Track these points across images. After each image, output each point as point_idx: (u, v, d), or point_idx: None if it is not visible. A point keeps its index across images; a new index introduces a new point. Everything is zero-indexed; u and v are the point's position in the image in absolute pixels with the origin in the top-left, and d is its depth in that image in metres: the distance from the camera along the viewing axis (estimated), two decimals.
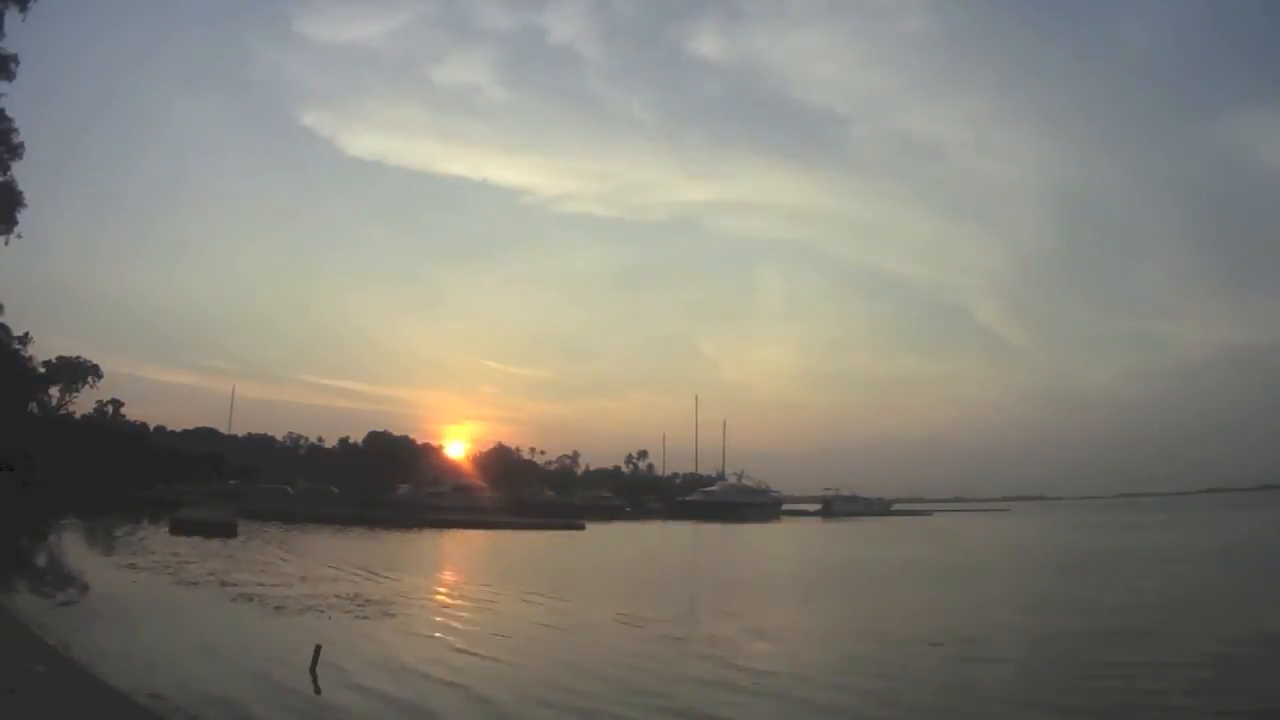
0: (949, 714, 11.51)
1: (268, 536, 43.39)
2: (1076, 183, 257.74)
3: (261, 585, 23.29)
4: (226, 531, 42.42)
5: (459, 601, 23.27)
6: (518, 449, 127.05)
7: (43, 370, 74.98)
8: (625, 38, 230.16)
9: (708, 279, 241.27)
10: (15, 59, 32.66)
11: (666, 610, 21.48)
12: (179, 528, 42.91)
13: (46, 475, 59.45)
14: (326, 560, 32.87)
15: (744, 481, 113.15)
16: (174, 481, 74.29)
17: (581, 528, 66.36)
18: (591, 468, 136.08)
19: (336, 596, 21.50)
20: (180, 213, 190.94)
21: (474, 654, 15.03)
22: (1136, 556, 39.04)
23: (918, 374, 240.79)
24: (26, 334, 63.37)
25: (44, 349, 72.64)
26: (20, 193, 36.40)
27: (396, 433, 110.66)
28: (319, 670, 12.49)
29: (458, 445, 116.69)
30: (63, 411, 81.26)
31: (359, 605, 20.29)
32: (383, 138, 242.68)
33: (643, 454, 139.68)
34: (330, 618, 18.26)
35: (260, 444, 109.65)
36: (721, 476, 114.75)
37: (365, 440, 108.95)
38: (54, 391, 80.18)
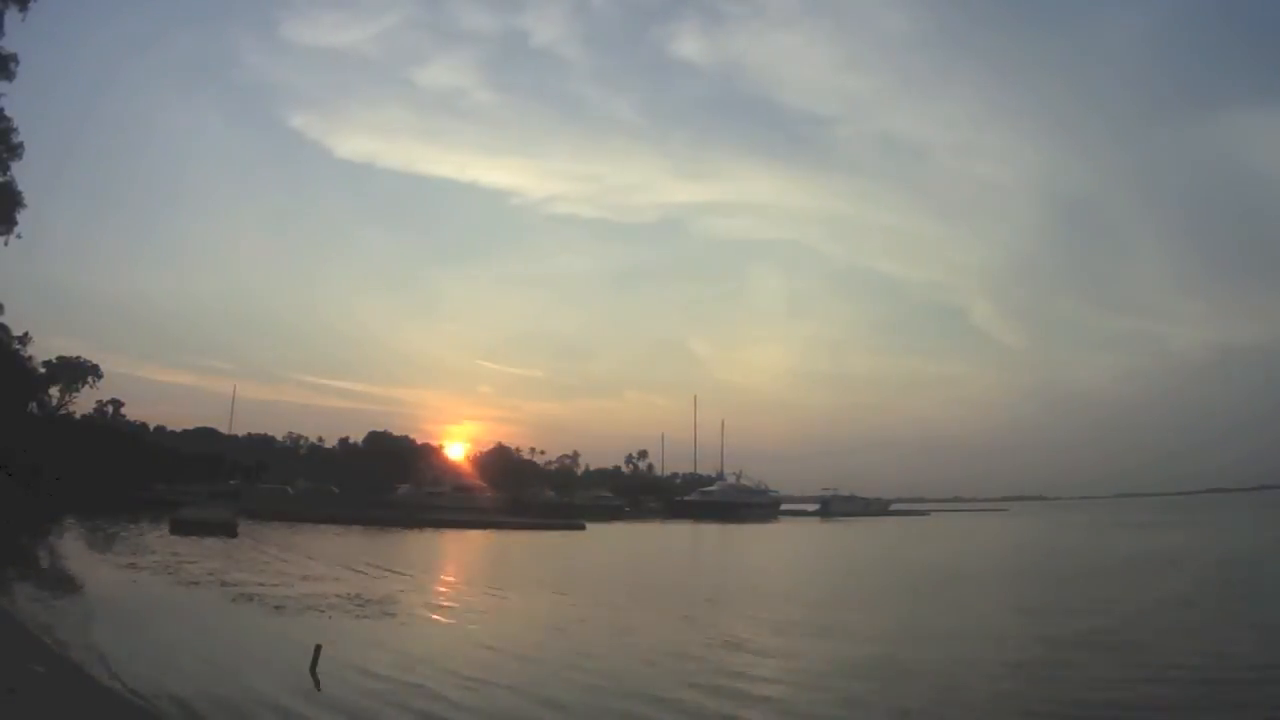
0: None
1: (268, 536, 43.37)
2: (1066, 183, 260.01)
3: (262, 585, 23.28)
4: (227, 531, 42.44)
5: (459, 601, 23.26)
6: (518, 449, 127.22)
7: (43, 370, 74.96)
8: (606, 40, 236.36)
9: (700, 280, 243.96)
10: (15, 59, 32.63)
11: (666, 613, 21.44)
12: (179, 528, 42.90)
13: (46, 475, 59.40)
14: (327, 560, 32.87)
15: (743, 481, 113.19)
16: (174, 481, 74.25)
17: (582, 528, 66.33)
18: (592, 468, 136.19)
19: (337, 596, 21.48)
20: (177, 214, 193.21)
21: (474, 654, 15.02)
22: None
23: (914, 374, 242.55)
24: (26, 334, 63.38)
25: (42, 349, 72.70)
26: (20, 193, 36.37)
27: (396, 433, 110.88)
28: (319, 670, 12.48)
29: (457, 445, 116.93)
30: (63, 411, 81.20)
31: (359, 605, 20.28)
32: (371, 140, 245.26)
33: (643, 454, 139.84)
34: (331, 617, 18.25)
35: (260, 444, 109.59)
36: (721, 476, 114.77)
37: (365, 440, 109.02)
38: (54, 391, 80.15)
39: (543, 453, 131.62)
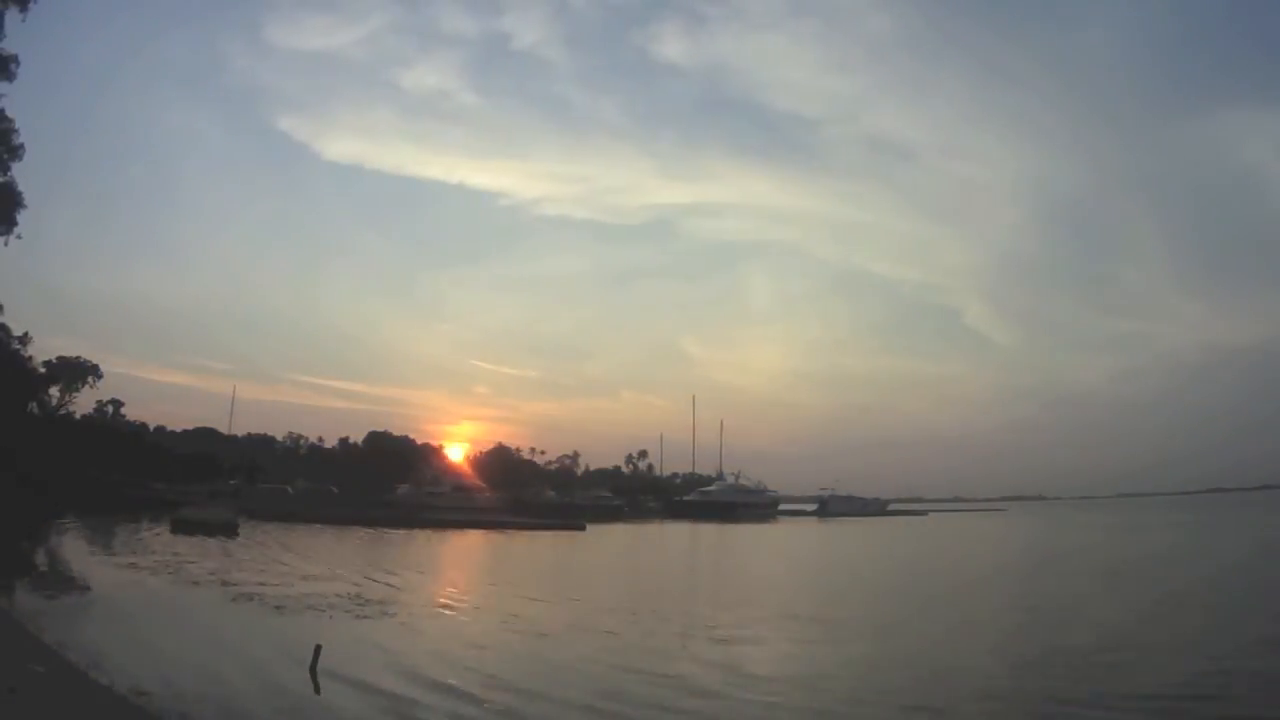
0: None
1: (268, 536, 43.41)
2: (1055, 184, 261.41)
3: (262, 585, 23.32)
4: (228, 531, 42.46)
5: (459, 602, 23.30)
6: (518, 449, 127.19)
7: (43, 370, 74.95)
8: (588, 41, 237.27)
9: (693, 280, 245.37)
10: (15, 59, 32.65)
11: (666, 614, 21.50)
12: (180, 527, 42.92)
13: (46, 475, 59.39)
14: (326, 560, 32.90)
15: (741, 481, 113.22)
16: (174, 481, 74.24)
17: (582, 528, 66.33)
18: (592, 468, 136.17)
19: (337, 596, 21.52)
20: (173, 215, 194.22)
21: (474, 654, 15.06)
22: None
23: (910, 374, 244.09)
24: (26, 334, 63.34)
25: (40, 349, 72.71)
26: (20, 193, 36.38)
27: (396, 433, 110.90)
28: (319, 670, 12.53)
29: (457, 445, 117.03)
30: (63, 411, 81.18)
31: (359, 605, 20.32)
32: (358, 142, 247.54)
33: (643, 454, 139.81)
34: (331, 617, 18.30)
35: (260, 444, 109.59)
36: (720, 477, 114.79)
37: (365, 440, 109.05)
38: (54, 391, 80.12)
39: (543, 453, 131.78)
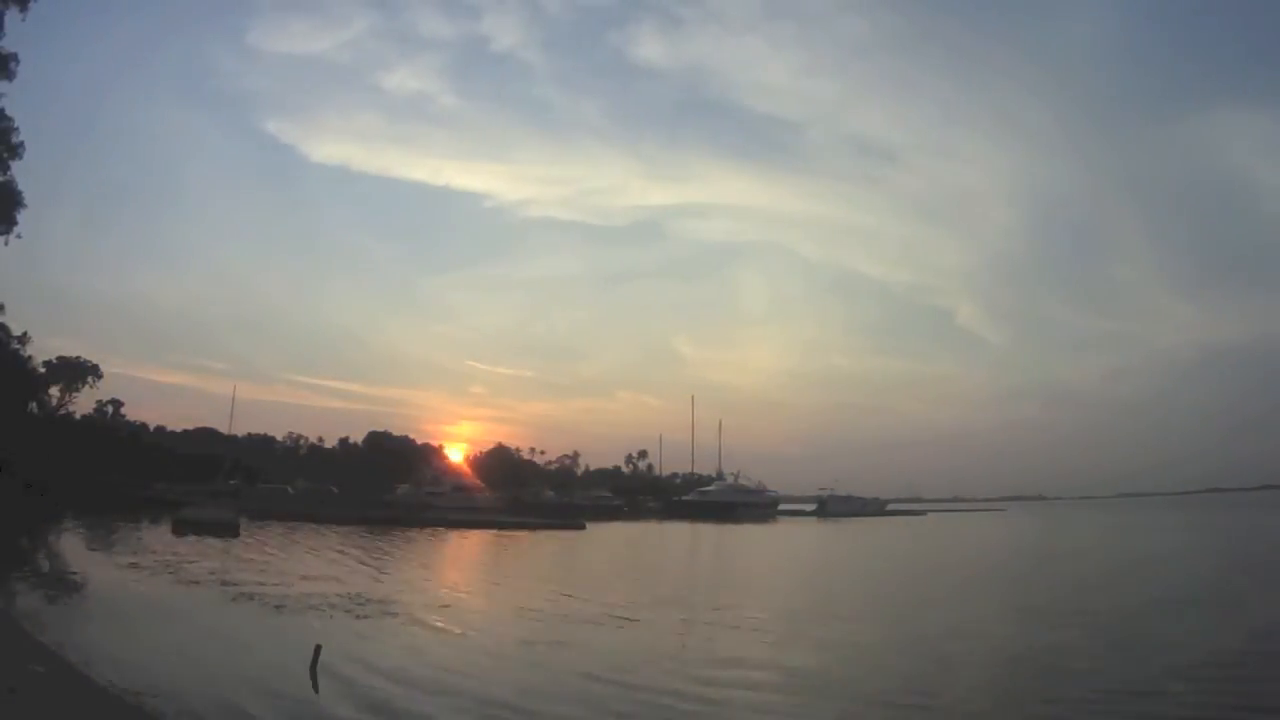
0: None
1: (268, 536, 43.43)
2: (1045, 184, 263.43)
3: (262, 585, 23.33)
4: (229, 531, 42.43)
5: (459, 602, 23.30)
6: (518, 449, 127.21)
7: (43, 370, 74.97)
8: (564, 44, 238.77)
9: (684, 282, 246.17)
10: (15, 58, 32.61)
11: (666, 615, 21.53)
12: (182, 527, 42.90)
13: (46, 475, 59.42)
14: (326, 560, 32.92)
15: (741, 481, 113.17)
16: (174, 481, 74.25)
17: (582, 528, 66.35)
18: (592, 468, 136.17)
19: (337, 596, 21.54)
20: (169, 217, 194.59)
21: (473, 655, 15.09)
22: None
23: (905, 375, 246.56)
24: (26, 334, 63.35)
25: (40, 349, 72.74)
26: (20, 193, 36.33)
27: (396, 433, 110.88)
28: (319, 670, 12.55)
29: (457, 445, 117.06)
30: (63, 411, 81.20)
31: (359, 605, 20.34)
32: (345, 145, 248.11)
33: (643, 454, 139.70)
34: (331, 617, 18.31)
35: (260, 444, 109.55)
36: (719, 477, 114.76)
37: (365, 440, 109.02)
38: (54, 391, 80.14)
39: (543, 453, 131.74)
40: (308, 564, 30.77)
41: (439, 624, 18.83)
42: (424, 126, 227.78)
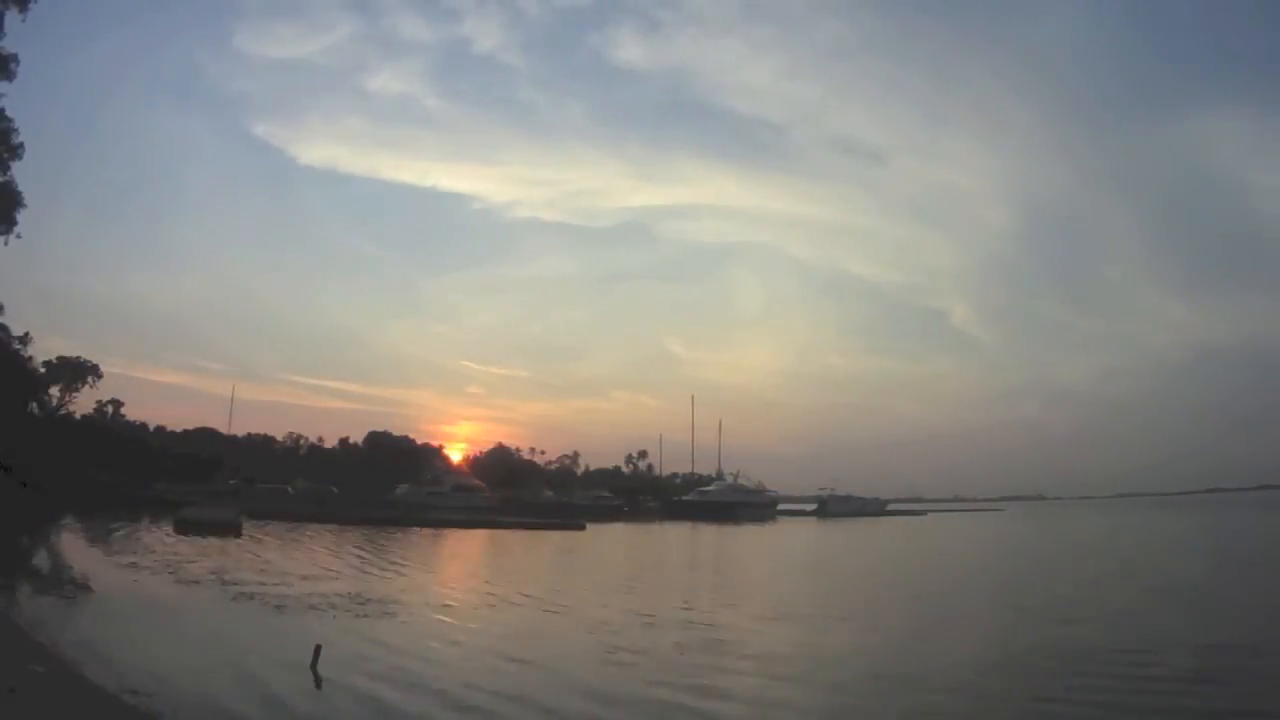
0: None
1: (268, 536, 43.41)
2: (1034, 185, 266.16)
3: (262, 584, 23.32)
4: (232, 531, 42.36)
5: (459, 602, 23.29)
6: (518, 449, 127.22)
7: (43, 370, 74.90)
8: (546, 46, 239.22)
9: (676, 283, 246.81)
10: (15, 59, 32.66)
11: (666, 615, 21.53)
12: (184, 527, 42.84)
13: (46, 475, 59.37)
14: (327, 560, 32.92)
15: (741, 481, 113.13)
16: (173, 481, 74.23)
17: (582, 528, 66.32)
18: (592, 468, 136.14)
19: (337, 596, 21.53)
20: (165, 219, 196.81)
21: (474, 654, 15.07)
22: None
23: (901, 375, 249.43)
24: (26, 334, 63.29)
25: (39, 349, 72.68)
26: (20, 193, 36.35)
27: (396, 433, 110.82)
28: (320, 669, 12.53)
29: (457, 445, 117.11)
30: (63, 411, 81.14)
31: (360, 604, 20.33)
32: (332, 147, 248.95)
33: (642, 454, 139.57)
34: (332, 617, 18.31)
35: (260, 444, 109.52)
36: (719, 477, 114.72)
37: (365, 440, 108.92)
38: (54, 391, 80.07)
39: (543, 453, 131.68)
40: (308, 564, 30.75)
41: (439, 624, 18.83)
42: (409, 129, 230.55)
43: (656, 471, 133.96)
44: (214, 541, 37.83)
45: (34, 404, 72.81)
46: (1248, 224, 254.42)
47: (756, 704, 11.92)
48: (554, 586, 26.82)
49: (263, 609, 19.32)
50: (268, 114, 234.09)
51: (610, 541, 55.80)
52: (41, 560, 30.87)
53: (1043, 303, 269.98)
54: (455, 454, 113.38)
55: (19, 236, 36.69)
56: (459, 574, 33.76)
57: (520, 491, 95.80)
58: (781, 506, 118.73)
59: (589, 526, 67.85)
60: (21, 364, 63.27)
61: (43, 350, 76.62)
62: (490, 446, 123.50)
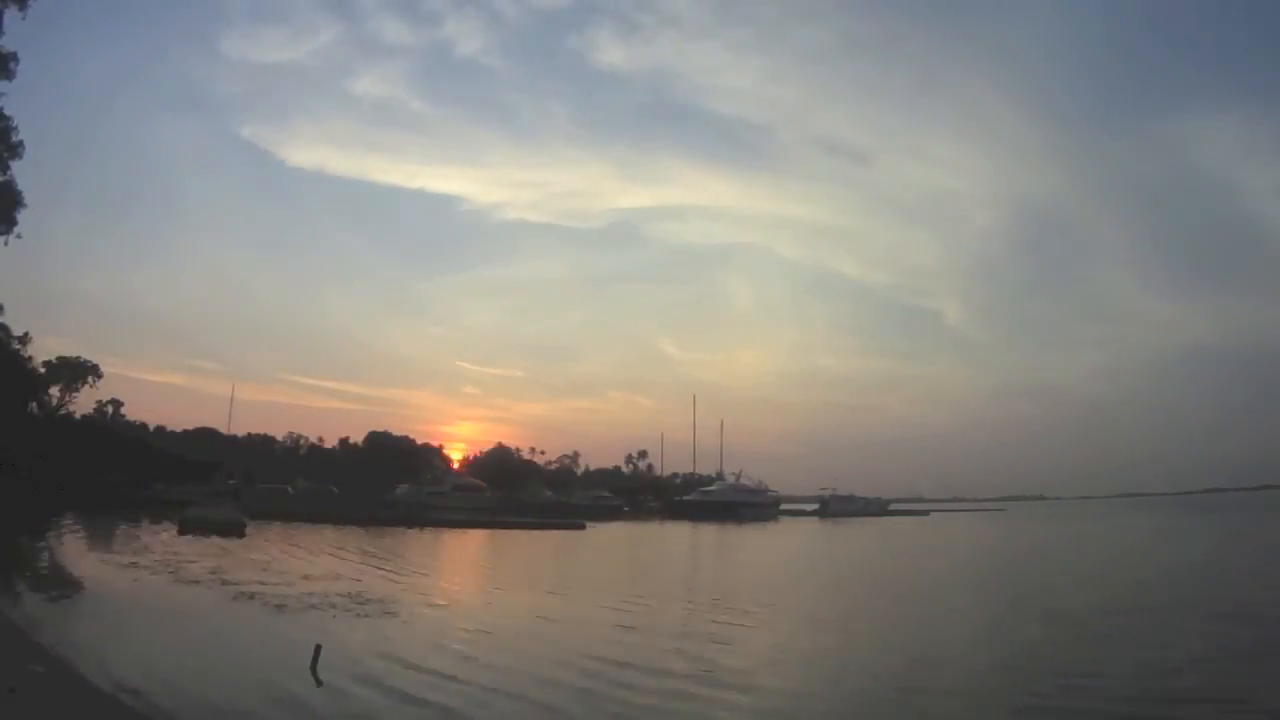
0: None
1: (268, 536, 43.35)
2: (1022, 186, 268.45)
3: (262, 584, 23.25)
4: (236, 531, 42.27)
5: (459, 601, 23.24)
6: (517, 449, 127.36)
7: (43, 370, 74.89)
8: (525, 48, 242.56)
9: (668, 283, 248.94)
10: (15, 57, 32.56)
11: (668, 616, 21.48)
12: (188, 527, 42.77)
13: (46, 475, 59.39)
14: (327, 559, 32.86)
15: (742, 481, 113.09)
16: (174, 481, 74.24)
17: (582, 527, 66.31)
18: (592, 468, 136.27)
19: (337, 595, 21.46)
20: (161, 221, 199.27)
21: (474, 653, 15.01)
22: None
23: (898, 375, 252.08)
24: (26, 334, 63.30)
25: (39, 349, 72.69)
26: (20, 192, 36.25)
27: (395, 433, 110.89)
28: (320, 669, 12.47)
29: (457, 445, 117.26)
30: (63, 411, 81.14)
31: (360, 604, 20.26)
32: (320, 150, 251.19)
33: (643, 454, 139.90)
34: (333, 616, 18.24)
35: (260, 444, 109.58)
36: (720, 476, 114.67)
37: (365, 440, 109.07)
38: (54, 391, 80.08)
39: (543, 453, 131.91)
40: (308, 563, 30.69)
41: (440, 623, 18.76)
42: (395, 131, 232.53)
43: (657, 471, 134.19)
44: (216, 542, 37.77)
45: (34, 404, 72.80)
46: (1237, 224, 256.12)
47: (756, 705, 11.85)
48: (554, 586, 26.77)
49: (263, 609, 19.25)
50: (256, 117, 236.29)
51: (611, 541, 55.75)
52: (41, 560, 30.82)
53: (1034, 303, 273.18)
54: (455, 454, 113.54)
55: (19, 236, 36.63)
56: (460, 574, 33.71)
57: (520, 491, 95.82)
58: (784, 506, 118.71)
59: (590, 527, 67.81)
60: (21, 364, 63.26)
61: (42, 350, 76.82)
62: (490, 446, 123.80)
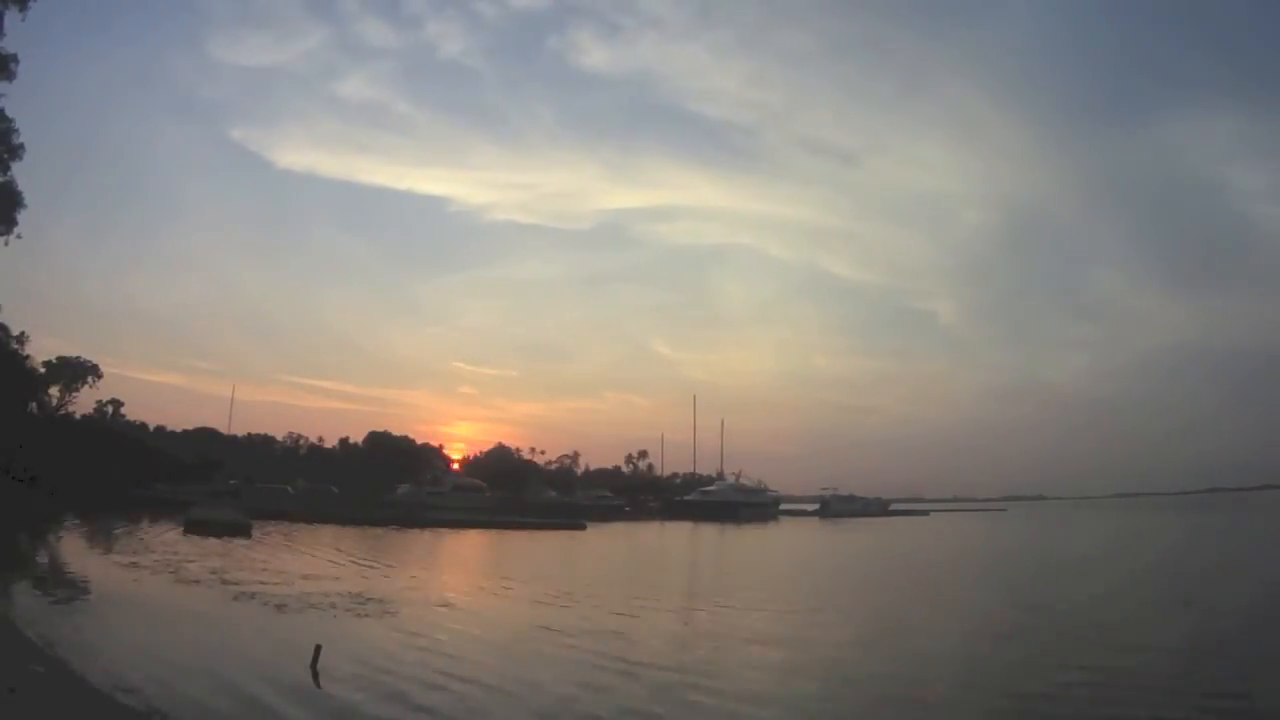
0: None
1: (269, 536, 43.33)
2: (1014, 187, 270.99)
3: (262, 584, 23.26)
4: (241, 532, 42.22)
5: (459, 602, 23.21)
6: (517, 449, 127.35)
7: (42, 370, 74.85)
8: (508, 50, 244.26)
9: (658, 284, 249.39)
10: (15, 59, 32.63)
11: (663, 609, 21.46)
12: (193, 528, 42.73)
13: (46, 475, 59.32)
14: (327, 559, 32.85)
15: (743, 481, 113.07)
16: (174, 482, 74.20)
17: (582, 528, 66.29)
18: (592, 468, 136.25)
19: (338, 595, 21.47)
20: (158, 222, 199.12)
21: (474, 654, 14.99)
22: None
23: (892, 375, 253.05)
24: (24, 334, 63.26)
25: (38, 349, 72.74)
26: (20, 193, 36.29)
27: (396, 433, 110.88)
28: (320, 669, 12.46)
29: (457, 445, 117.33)
30: (63, 412, 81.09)
31: (360, 604, 20.26)
32: (308, 153, 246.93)
33: (643, 454, 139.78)
34: (333, 616, 18.25)
35: (260, 444, 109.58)
36: (720, 476, 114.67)
37: (366, 440, 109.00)
38: (54, 391, 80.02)
39: (543, 453, 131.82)
40: (308, 563, 30.69)
41: (440, 623, 18.74)
42: (382, 133, 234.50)
43: (657, 471, 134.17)
44: (214, 541, 37.74)
45: (34, 404, 72.76)
46: (1230, 224, 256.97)
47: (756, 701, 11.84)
48: (555, 586, 26.72)
49: (263, 608, 19.25)
50: (245, 120, 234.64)
51: (611, 541, 55.72)
52: (41, 560, 30.81)
53: (1028, 304, 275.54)
54: (454, 454, 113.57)
55: (19, 237, 36.66)
56: (460, 573, 33.68)
57: (521, 491, 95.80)
58: (784, 507, 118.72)
59: (590, 527, 67.79)
60: (21, 364, 63.24)
61: (42, 350, 76.85)
62: (488, 446, 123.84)
